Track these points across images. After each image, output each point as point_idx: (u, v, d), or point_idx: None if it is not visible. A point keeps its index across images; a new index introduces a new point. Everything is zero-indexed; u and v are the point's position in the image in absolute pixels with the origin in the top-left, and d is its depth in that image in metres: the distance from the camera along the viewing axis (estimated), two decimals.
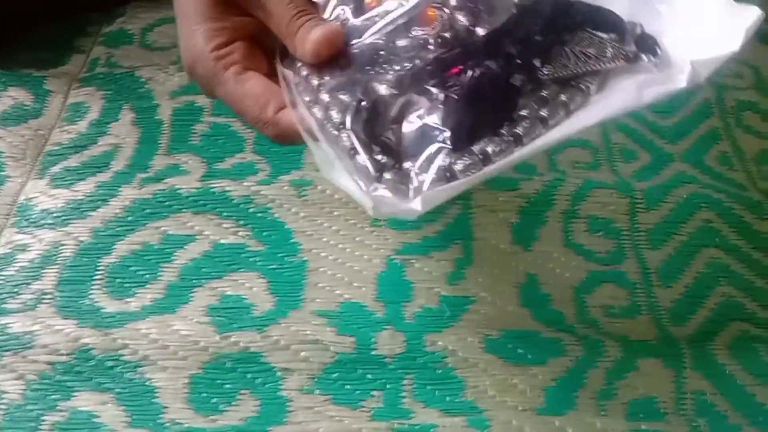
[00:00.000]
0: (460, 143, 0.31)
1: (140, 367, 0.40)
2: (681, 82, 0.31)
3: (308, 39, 0.35)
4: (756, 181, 0.51)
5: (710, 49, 0.31)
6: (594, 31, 0.34)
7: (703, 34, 0.32)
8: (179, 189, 0.47)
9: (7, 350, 0.40)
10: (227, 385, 0.39)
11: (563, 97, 0.32)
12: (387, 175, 0.31)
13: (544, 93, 0.33)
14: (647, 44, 0.34)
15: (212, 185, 0.48)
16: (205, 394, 0.39)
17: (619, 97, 0.32)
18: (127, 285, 0.43)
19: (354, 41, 0.35)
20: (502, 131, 0.32)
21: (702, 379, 0.41)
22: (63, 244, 0.45)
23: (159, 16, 0.59)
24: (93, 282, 0.43)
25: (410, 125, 0.32)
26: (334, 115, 0.33)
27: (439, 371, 0.40)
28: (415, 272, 0.44)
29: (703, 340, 0.42)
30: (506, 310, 0.43)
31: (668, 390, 0.40)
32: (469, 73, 0.33)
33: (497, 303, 0.43)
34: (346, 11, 0.37)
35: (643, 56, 0.33)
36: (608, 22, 0.34)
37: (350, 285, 0.43)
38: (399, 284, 0.44)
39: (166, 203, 0.47)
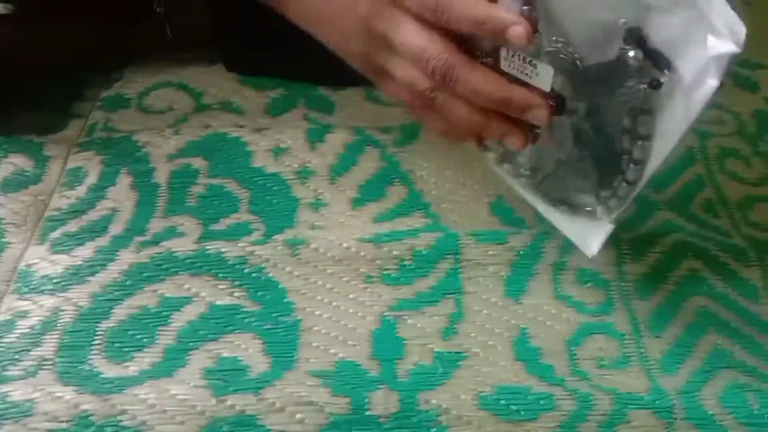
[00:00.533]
0: None
1: None
2: (713, 80, 0.35)
3: None
4: (740, 227, 0.52)
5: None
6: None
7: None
8: (176, 252, 0.48)
9: (7, 419, 0.41)
10: None
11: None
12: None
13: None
14: (662, 59, 0.37)
15: (208, 247, 0.49)
16: None
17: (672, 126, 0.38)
18: (126, 349, 0.44)
19: None
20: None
21: (692, 429, 0.41)
22: (63, 310, 0.46)
23: (155, 80, 0.61)
24: (92, 347, 0.44)
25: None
26: None
27: (433, 430, 0.40)
28: (408, 329, 0.45)
29: (692, 391, 0.43)
30: (499, 365, 0.44)
31: None
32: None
33: (490, 358, 0.44)
34: None
35: (665, 73, 0.36)
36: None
37: (344, 343, 0.44)
38: (392, 341, 0.44)
39: (163, 266, 0.48)
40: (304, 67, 0.59)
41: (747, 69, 0.65)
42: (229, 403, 0.41)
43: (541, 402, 0.42)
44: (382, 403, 0.41)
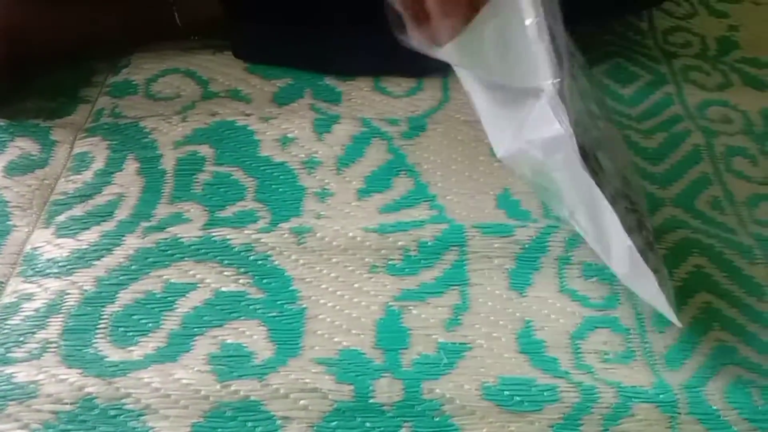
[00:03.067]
0: None
1: (143, 416, 0.40)
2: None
3: None
4: (747, 225, 0.52)
5: None
6: None
7: None
8: (181, 238, 0.48)
9: (12, 399, 0.41)
10: None
11: None
12: None
13: None
14: None
15: (213, 234, 0.49)
16: None
17: None
18: (131, 334, 0.44)
19: None
20: None
21: (696, 424, 0.41)
22: (68, 293, 0.46)
23: (163, 67, 0.61)
24: (97, 331, 0.44)
25: None
26: None
27: (437, 419, 0.40)
28: (412, 319, 0.45)
29: (697, 386, 0.43)
30: (503, 357, 0.44)
31: None
32: None
33: (494, 350, 0.44)
34: None
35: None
36: None
37: (349, 332, 0.44)
38: (397, 331, 0.44)
39: (169, 252, 0.48)
40: (311, 55, 0.59)
41: (755, 68, 0.65)
42: (233, 388, 0.41)
43: (545, 394, 0.42)
44: (386, 391, 0.41)
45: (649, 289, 0.42)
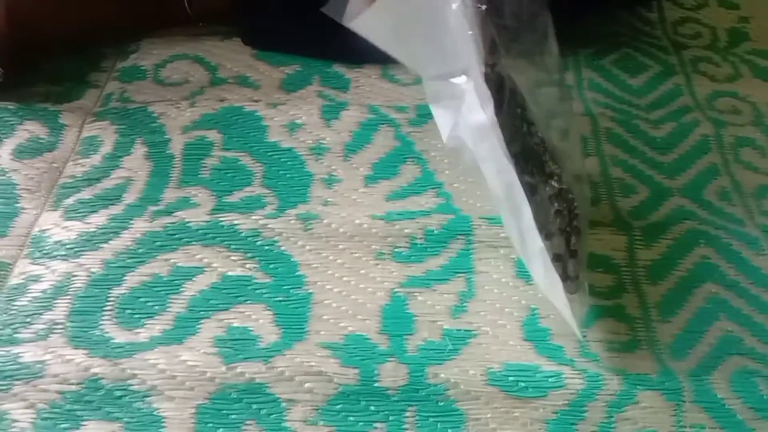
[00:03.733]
0: None
1: (148, 396, 0.40)
2: None
3: None
4: (755, 215, 0.52)
5: None
6: None
7: None
8: (189, 222, 0.49)
9: (18, 379, 0.41)
10: (233, 416, 0.40)
11: None
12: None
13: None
14: None
15: (221, 219, 0.49)
16: (211, 425, 0.40)
17: None
18: (137, 316, 0.44)
19: None
20: None
21: (701, 412, 0.41)
22: (75, 275, 0.46)
23: (172, 53, 0.61)
24: (103, 313, 0.44)
25: None
26: None
27: (441, 403, 0.40)
28: (418, 305, 0.45)
29: (702, 374, 0.43)
30: (509, 344, 0.44)
31: (668, 423, 0.41)
32: None
33: (499, 337, 0.44)
34: None
35: None
36: None
37: (354, 317, 0.44)
38: (402, 317, 0.44)
39: (176, 236, 0.48)
40: (320, 43, 0.59)
41: (765, 59, 0.64)
42: (238, 370, 0.41)
43: (550, 380, 0.41)
44: (391, 375, 0.41)
45: (558, 297, 0.41)
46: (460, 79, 0.41)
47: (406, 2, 0.42)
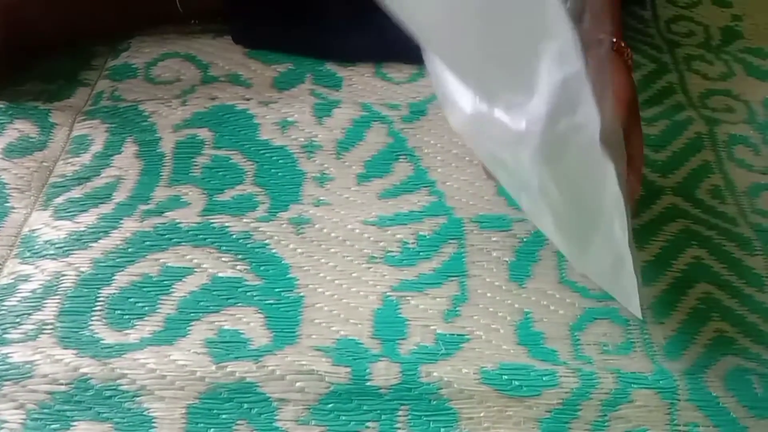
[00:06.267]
0: None
1: (138, 396, 0.40)
2: None
3: None
4: (747, 214, 0.52)
5: None
6: None
7: None
8: (179, 222, 0.48)
9: (7, 379, 0.41)
10: (224, 416, 0.40)
11: None
12: None
13: None
14: None
15: (212, 220, 0.48)
16: (202, 425, 0.39)
17: None
18: (126, 317, 0.44)
19: None
20: None
21: (695, 410, 0.41)
22: (64, 275, 0.45)
23: (163, 51, 0.60)
24: (93, 313, 0.44)
25: None
26: None
27: (434, 402, 0.40)
28: (410, 309, 0.45)
29: (696, 373, 0.42)
30: (502, 348, 0.43)
31: (662, 422, 0.41)
32: None
33: (492, 341, 0.43)
34: None
35: None
36: None
37: (346, 321, 0.44)
38: (395, 321, 0.44)
39: (166, 236, 0.48)
40: (311, 41, 0.59)
41: (758, 58, 0.64)
42: (229, 369, 0.41)
43: (544, 379, 0.41)
44: (383, 374, 0.41)
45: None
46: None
47: None
